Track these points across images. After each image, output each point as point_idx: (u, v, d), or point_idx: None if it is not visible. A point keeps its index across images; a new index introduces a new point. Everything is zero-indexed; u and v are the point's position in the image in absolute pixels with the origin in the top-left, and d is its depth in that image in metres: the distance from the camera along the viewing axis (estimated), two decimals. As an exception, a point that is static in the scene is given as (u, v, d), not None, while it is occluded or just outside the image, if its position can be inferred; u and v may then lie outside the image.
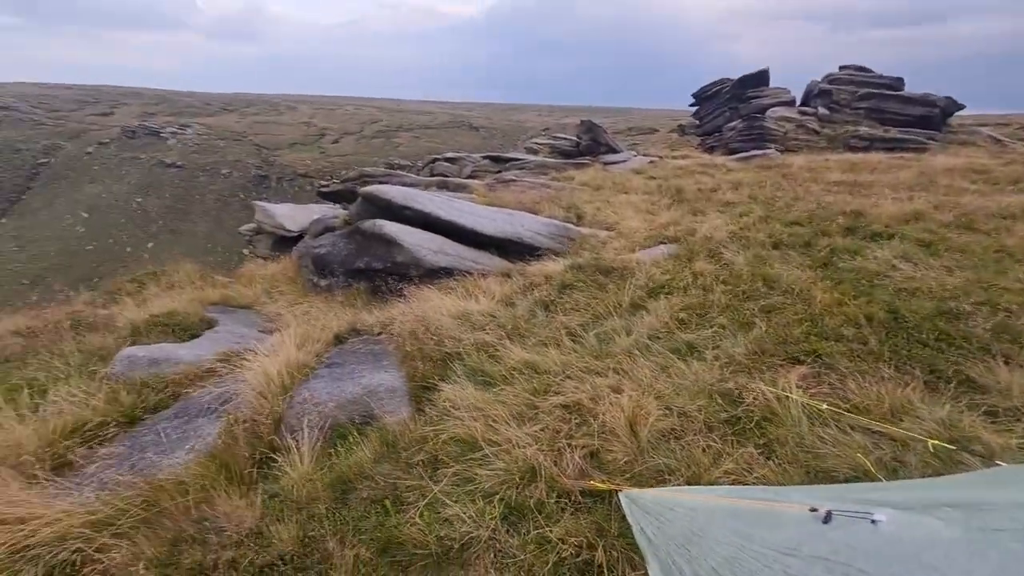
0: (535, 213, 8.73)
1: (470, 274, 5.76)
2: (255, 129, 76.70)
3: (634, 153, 22.13)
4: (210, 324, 5.74)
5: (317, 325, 5.21)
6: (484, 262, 6.25)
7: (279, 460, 2.62)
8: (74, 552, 2.13)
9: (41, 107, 74.65)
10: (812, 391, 3.11)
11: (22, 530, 2.17)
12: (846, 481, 2.37)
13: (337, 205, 14.26)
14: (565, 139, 24.09)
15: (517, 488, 2.42)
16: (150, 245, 57.48)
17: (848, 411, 2.83)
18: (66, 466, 2.99)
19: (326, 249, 7.27)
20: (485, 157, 22.00)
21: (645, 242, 7.56)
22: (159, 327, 5.26)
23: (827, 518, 1.57)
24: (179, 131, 71.00)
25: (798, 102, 24.87)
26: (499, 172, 18.29)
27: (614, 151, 21.89)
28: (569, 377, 3.47)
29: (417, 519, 2.24)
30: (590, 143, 21.96)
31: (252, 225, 13.30)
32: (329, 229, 7.97)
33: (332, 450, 2.72)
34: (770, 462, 2.52)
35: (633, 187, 12.66)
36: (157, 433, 3.18)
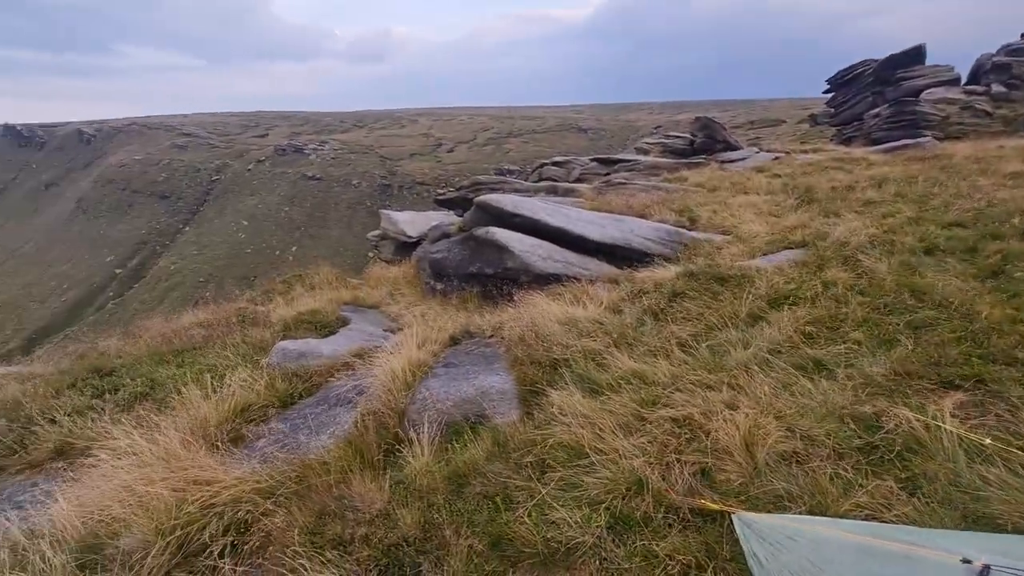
0: (645, 217, 8.53)
1: (578, 280, 5.82)
2: (381, 142, 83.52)
3: (755, 149, 20.58)
4: (344, 322, 6.45)
5: (434, 326, 5.61)
6: (592, 268, 6.27)
7: (403, 450, 2.91)
8: (246, 513, 2.57)
9: (215, 133, 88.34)
10: (972, 422, 2.71)
11: (209, 490, 2.66)
12: (1015, 532, 2.05)
13: (452, 212, 15.13)
14: (678, 137, 23.09)
15: (623, 499, 2.43)
16: (294, 249, 65.18)
17: (1021, 449, 2.43)
18: (238, 439, 3.59)
19: (442, 254, 7.79)
20: (593, 160, 21.85)
21: (767, 247, 7.04)
22: (304, 324, 6.04)
23: (983, 572, 1.39)
24: (319, 147, 79.74)
25: (963, 81, 21.31)
26: (607, 175, 18.07)
27: (732, 148, 20.54)
28: (679, 390, 3.38)
29: (526, 518, 2.36)
30: (705, 140, 20.82)
31: (378, 231, 14.60)
32: (445, 235, 8.52)
33: (448, 445, 2.95)
34: (914, 499, 2.25)
35: (754, 187, 11.80)
36: (304, 417, 3.69)
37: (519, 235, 6.56)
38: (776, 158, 17.40)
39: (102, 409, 4.05)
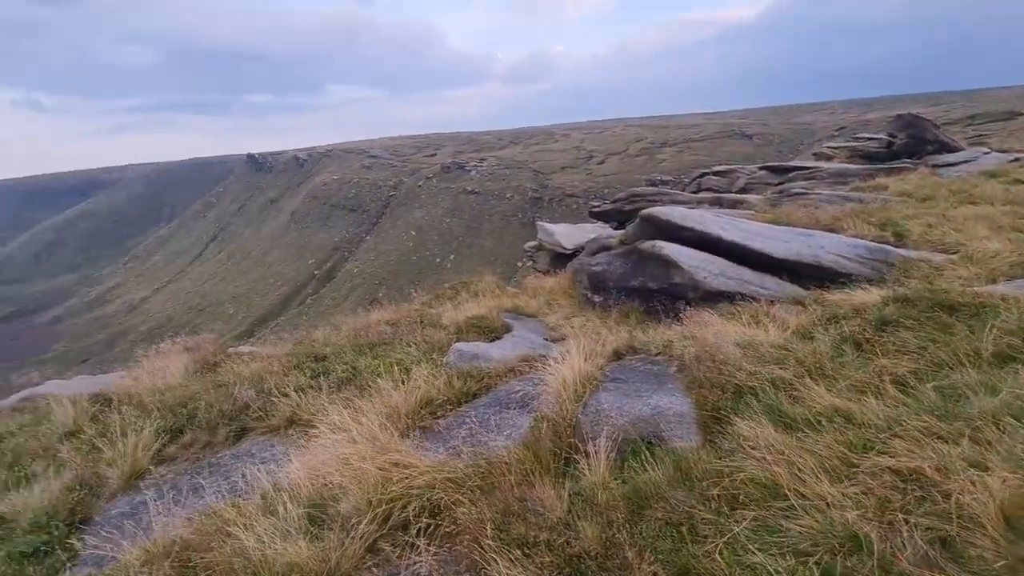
0: (835, 231, 7.49)
1: (755, 300, 5.32)
2: (534, 157, 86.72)
3: (984, 150, 16.85)
4: (508, 328, 6.78)
5: (596, 339, 5.60)
6: (771, 288, 5.68)
7: (579, 461, 2.92)
8: (438, 499, 2.82)
9: (393, 154, 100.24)
10: None
11: (407, 472, 2.98)
12: None
13: (607, 224, 15.03)
14: (871, 139, 19.94)
15: (836, 555, 2.13)
16: (452, 257, 70.73)
17: None
18: (424, 429, 3.96)
19: (602, 267, 7.76)
20: (761, 168, 19.95)
21: (1011, 270, 5.67)
22: (474, 328, 6.48)
23: None
24: (479, 164, 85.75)
25: None
26: (781, 184, 16.33)
27: (948, 149, 17.12)
28: (898, 436, 2.86)
29: (717, 556, 2.19)
30: (909, 141, 17.68)
31: (534, 242, 15.13)
32: (605, 248, 8.49)
33: (624, 463, 2.89)
34: None
35: (985, 196, 9.65)
36: (482, 416, 3.94)
37: (688, 249, 6.23)
38: (1016, 160, 14.03)
39: (319, 388, 4.81)
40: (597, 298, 7.81)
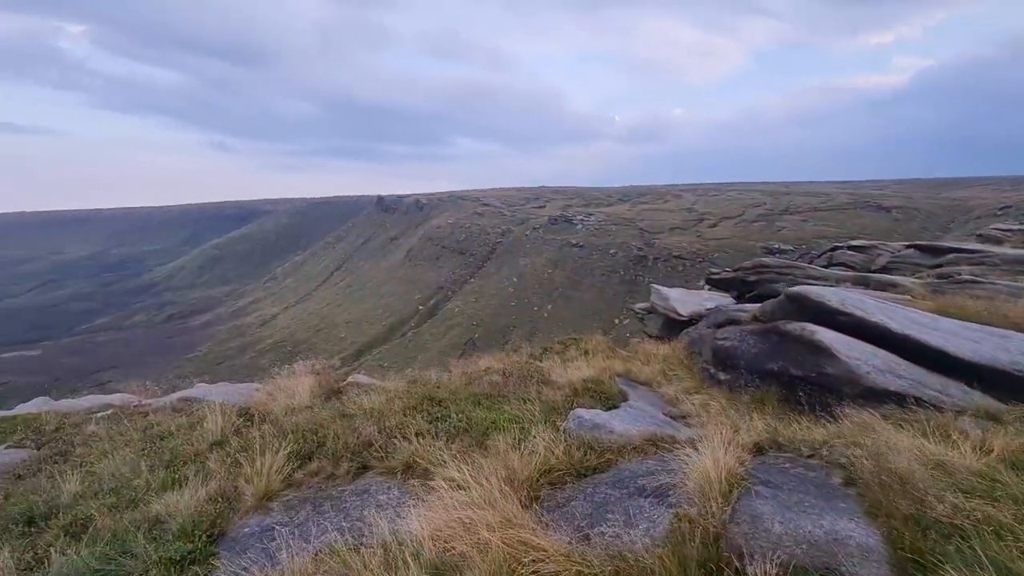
0: (1034, 334, 6.21)
1: (937, 409, 4.47)
2: (642, 215, 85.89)
3: None
4: (624, 396, 6.40)
5: (727, 424, 5.04)
6: (954, 395, 4.76)
7: (735, 583, 2.50)
8: (568, 594, 2.55)
9: (504, 203, 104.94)
10: None
11: (535, 556, 2.76)
12: None
13: (726, 293, 14.09)
14: (1062, 224, 16.93)
15: None
16: (549, 307, 71.00)
17: None
18: (542, 500, 3.73)
19: (730, 343, 7.14)
20: (909, 246, 17.76)
21: None
22: (589, 391, 6.20)
23: None
24: (585, 219, 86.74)
25: None
26: (937, 267, 14.33)
27: None
28: None
29: None
30: (1121, 231, 14.77)
31: (644, 304, 14.59)
32: (733, 321, 7.85)
33: (795, 597, 2.42)
34: None
35: None
36: (606, 497, 3.62)
37: (846, 337, 5.50)
38: None
39: (436, 435, 4.80)
40: (723, 375, 7.16)
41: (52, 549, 3.44)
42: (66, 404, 8.69)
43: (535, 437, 4.38)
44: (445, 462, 4.15)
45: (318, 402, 6.67)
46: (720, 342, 7.36)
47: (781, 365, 5.97)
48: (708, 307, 11.48)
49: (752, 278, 13.32)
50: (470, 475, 3.76)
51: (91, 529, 3.65)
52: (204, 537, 3.48)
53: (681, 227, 76.39)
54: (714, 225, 75.71)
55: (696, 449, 3.95)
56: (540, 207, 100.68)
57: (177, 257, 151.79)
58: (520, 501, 3.60)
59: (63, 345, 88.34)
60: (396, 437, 4.74)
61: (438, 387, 6.85)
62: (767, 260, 14.22)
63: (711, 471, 3.45)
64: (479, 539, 2.96)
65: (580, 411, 4.95)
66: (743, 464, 3.92)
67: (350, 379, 8.69)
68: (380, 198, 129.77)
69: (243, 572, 2.98)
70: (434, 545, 3.01)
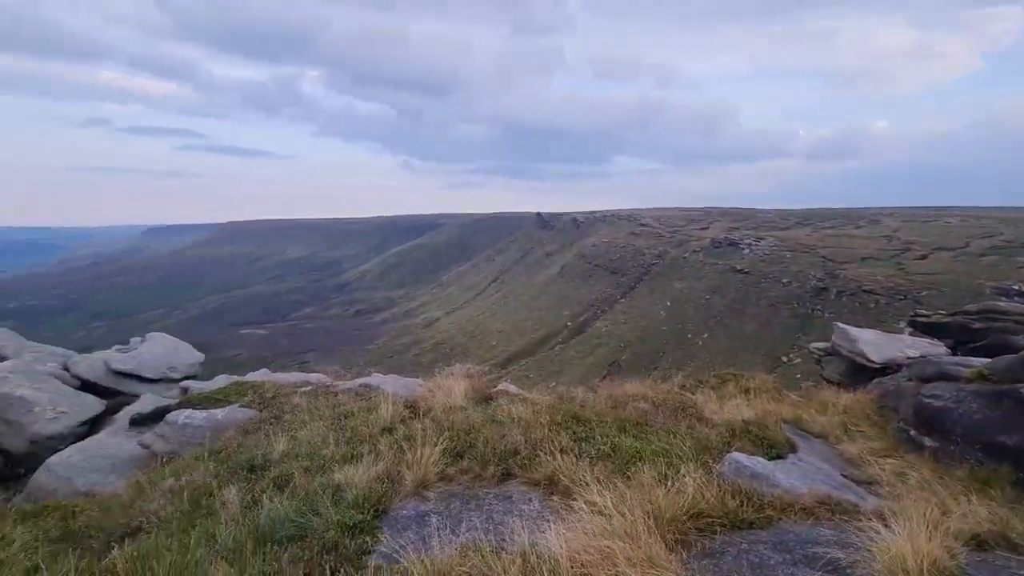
0: None
1: None
2: (825, 242, 75.34)
3: None
4: (792, 447, 5.65)
5: (932, 502, 4.13)
6: None
7: None
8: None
9: (663, 224, 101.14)
10: None
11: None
12: None
13: (937, 341, 11.58)
14: None
15: None
16: (704, 335, 66.07)
17: None
18: (688, 545, 3.48)
19: (942, 402, 5.84)
20: None
21: None
22: (748, 435, 5.61)
23: None
24: (754, 243, 79.19)
25: None
26: None
27: None
28: None
29: None
30: None
31: (823, 344, 12.71)
32: (946, 376, 6.42)
33: None
34: None
35: None
36: (763, 558, 3.24)
37: None
38: None
39: (579, 455, 4.80)
40: (928, 441, 5.89)
41: (264, 495, 4.25)
42: (280, 377, 10.64)
43: (684, 475, 4.11)
44: (587, 484, 4.13)
45: (471, 404, 7.14)
46: (927, 400, 6.06)
47: (1018, 440, 4.68)
48: (911, 355, 9.60)
49: (978, 325, 10.73)
50: (612, 502, 3.68)
51: (291, 485, 4.44)
52: (372, 511, 3.97)
53: (876, 257, 65.09)
54: (923, 257, 63.07)
55: (887, 526, 3.33)
56: (702, 229, 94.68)
57: (367, 262, 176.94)
58: (665, 541, 3.41)
59: (280, 328, 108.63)
60: (541, 450, 4.85)
61: (583, 407, 6.83)
62: (1001, 304, 11.35)
63: (908, 558, 2.86)
64: (618, 572, 2.88)
65: (737, 455, 4.51)
66: (954, 557, 3.19)
67: (500, 386, 9.14)
68: (539, 215, 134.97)
69: (400, 550, 3.32)
70: (571, 567, 3.01)
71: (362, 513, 3.90)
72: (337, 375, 11.05)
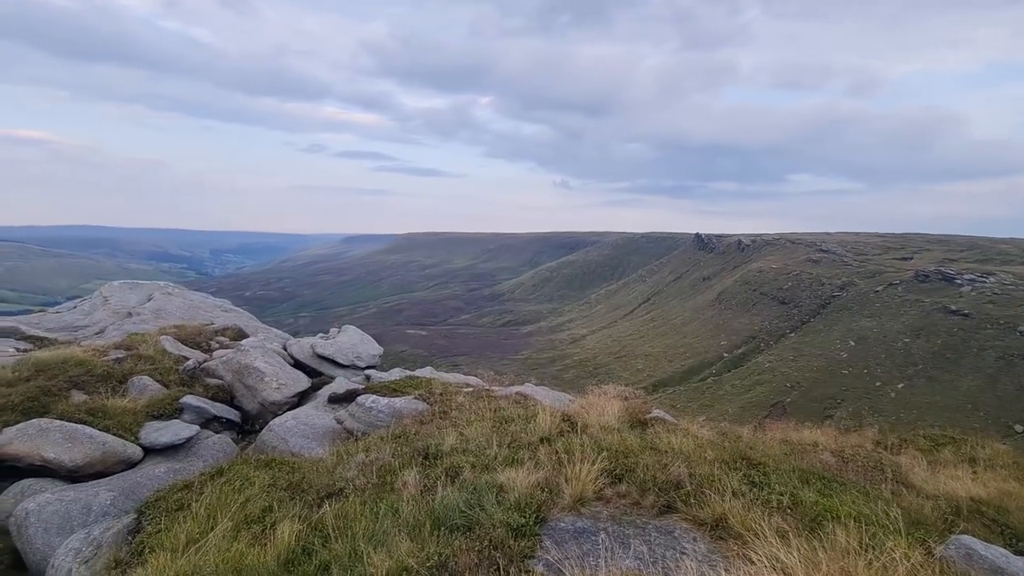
0: None
1: None
2: (1095, 283, 58.13)
3: None
4: (1048, 545, 4.40)
5: None
6: None
7: None
8: None
9: (851, 251, 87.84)
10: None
11: None
12: None
13: None
14: None
15: None
16: (900, 386, 55.25)
17: None
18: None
19: None
20: None
21: None
22: (982, 518, 4.53)
23: None
24: (978, 279, 64.40)
25: None
26: None
27: None
28: None
29: None
30: None
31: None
32: None
33: None
34: None
35: None
36: None
37: None
38: None
39: (752, 500, 4.36)
40: None
41: (438, 483, 4.67)
42: (444, 376, 11.62)
43: (893, 551, 3.47)
44: (763, 535, 3.73)
45: (624, 427, 6.97)
46: None
47: None
48: None
49: None
50: (800, 562, 3.27)
51: (461, 478, 4.80)
52: (533, 517, 4.10)
53: None
54: None
55: None
56: (903, 259, 80.00)
57: (519, 275, 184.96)
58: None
59: (439, 330, 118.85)
60: (707, 488, 4.52)
61: (751, 448, 6.20)
62: None
63: None
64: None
65: (969, 540, 3.65)
66: None
67: (654, 412, 8.76)
68: (698, 236, 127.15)
69: (563, 562, 3.36)
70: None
71: (524, 517, 4.04)
72: (492, 380, 11.69)
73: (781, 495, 4.48)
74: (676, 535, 4.11)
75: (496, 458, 5.23)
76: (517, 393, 8.65)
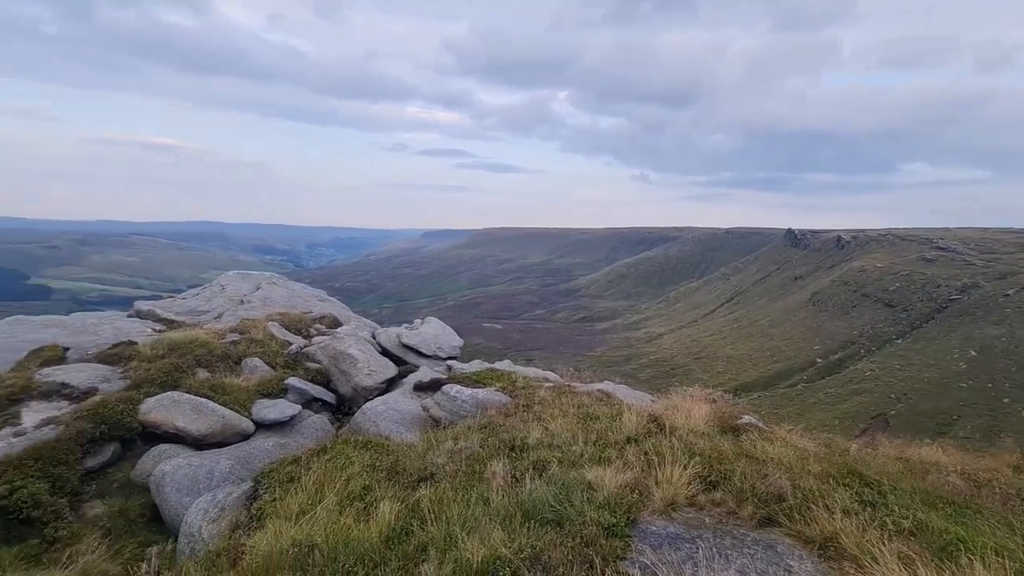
0: None
1: None
2: None
3: None
4: None
5: None
6: None
7: None
8: None
9: (976, 249, 77.73)
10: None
11: None
12: None
13: None
14: None
15: None
16: (1031, 404, 48.12)
17: None
18: None
19: None
20: None
21: None
22: None
23: None
24: None
25: None
26: None
27: None
28: None
29: None
30: None
31: None
32: None
33: None
34: None
35: None
36: None
37: None
38: None
39: (868, 521, 3.99)
40: None
41: (526, 475, 4.73)
42: (522, 370, 11.73)
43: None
44: (884, 560, 3.41)
45: (714, 432, 6.65)
46: None
47: None
48: None
49: None
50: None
51: (549, 472, 4.83)
52: (624, 518, 4.03)
53: None
54: None
55: None
56: (1045, 258, 69.60)
57: (595, 271, 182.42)
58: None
59: (514, 324, 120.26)
60: (813, 503, 4.20)
61: (862, 463, 5.67)
62: None
63: None
64: None
65: None
66: None
67: (744, 419, 8.30)
68: (790, 231, 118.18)
69: (657, 566, 3.28)
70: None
71: (615, 517, 3.98)
72: (572, 376, 11.62)
73: (902, 518, 4.06)
74: (779, 551, 3.86)
75: (583, 455, 5.20)
76: (598, 390, 8.55)
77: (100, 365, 9.48)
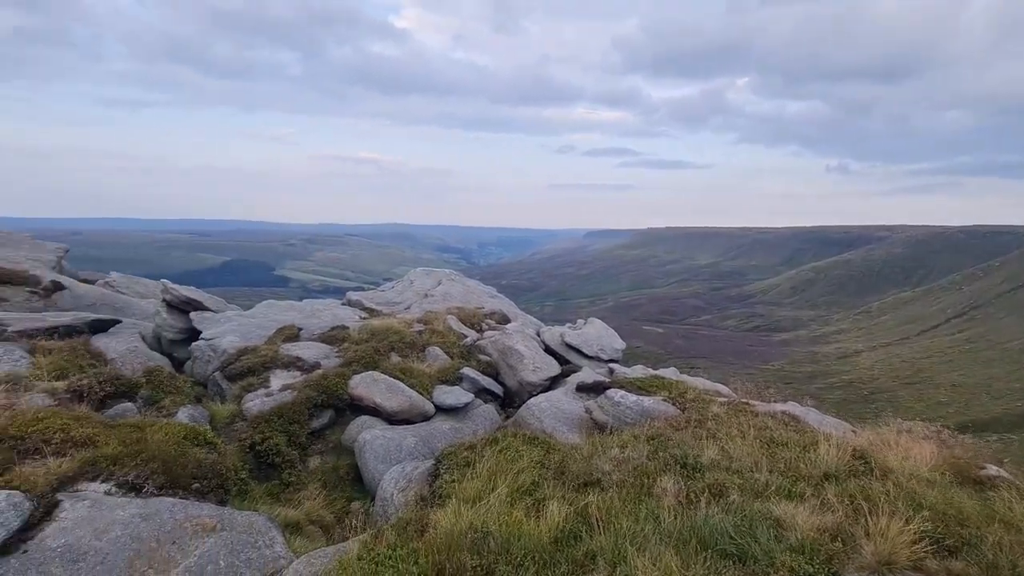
0: None
1: None
2: None
3: None
4: None
5: None
6: None
7: None
8: None
9: None
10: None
11: None
12: None
13: None
14: None
15: None
16: None
17: None
18: None
19: None
20: None
21: None
22: None
23: None
24: None
25: None
26: None
27: None
28: None
29: None
30: None
31: None
32: None
33: None
34: None
35: None
36: None
37: None
38: None
39: None
40: None
41: (701, 498, 4.40)
42: (690, 380, 10.97)
43: None
44: None
45: (945, 481, 5.38)
46: None
47: None
48: None
49: None
50: None
51: (728, 498, 4.41)
52: (823, 568, 3.48)
53: None
54: None
55: None
56: None
57: (773, 275, 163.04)
58: None
59: (677, 329, 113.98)
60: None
61: None
62: None
63: None
64: None
65: None
66: None
67: (988, 469, 6.57)
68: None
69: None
70: None
71: (812, 566, 3.46)
72: (749, 393, 10.51)
73: None
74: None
75: (768, 485, 4.64)
76: (783, 412, 7.57)
77: (322, 344, 11.49)
